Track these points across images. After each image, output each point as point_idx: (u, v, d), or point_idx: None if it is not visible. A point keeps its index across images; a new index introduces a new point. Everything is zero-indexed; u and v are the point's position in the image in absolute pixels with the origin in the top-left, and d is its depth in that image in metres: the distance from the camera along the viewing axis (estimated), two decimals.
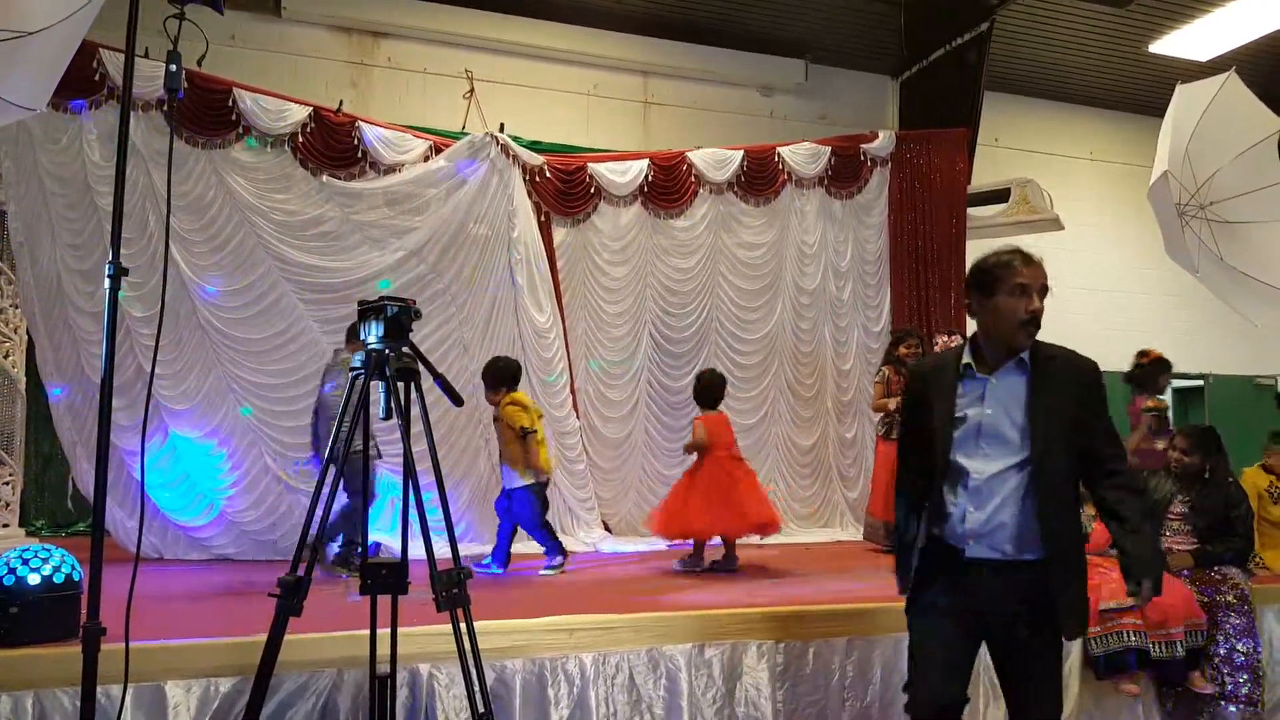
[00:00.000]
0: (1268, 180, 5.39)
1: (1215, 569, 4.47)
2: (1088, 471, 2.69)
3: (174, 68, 2.47)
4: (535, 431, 5.21)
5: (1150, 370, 5.82)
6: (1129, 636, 4.08)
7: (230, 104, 5.97)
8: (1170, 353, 10.24)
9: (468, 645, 2.49)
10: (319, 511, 2.58)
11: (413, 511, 2.60)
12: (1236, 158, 5.35)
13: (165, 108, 5.64)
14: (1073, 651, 4.19)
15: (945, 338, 6.24)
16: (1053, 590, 2.59)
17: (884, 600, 4.27)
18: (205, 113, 5.93)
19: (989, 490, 2.60)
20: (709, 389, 5.79)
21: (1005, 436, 2.62)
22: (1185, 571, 4.50)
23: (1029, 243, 9.98)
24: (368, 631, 2.79)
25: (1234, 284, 5.54)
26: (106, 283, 2.46)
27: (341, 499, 4.88)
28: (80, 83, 5.53)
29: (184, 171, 5.88)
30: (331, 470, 2.67)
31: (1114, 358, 10.02)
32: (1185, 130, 5.32)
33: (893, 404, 6.21)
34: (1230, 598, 4.33)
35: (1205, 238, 5.48)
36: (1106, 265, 10.26)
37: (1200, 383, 10.56)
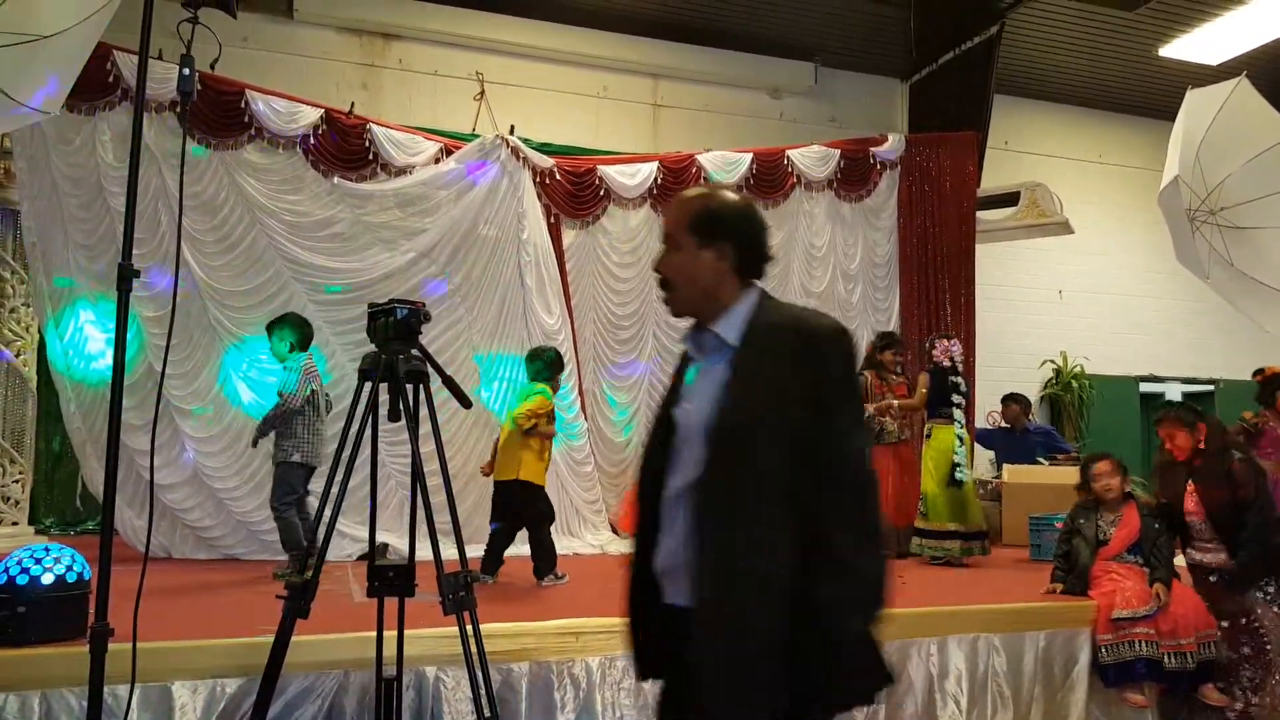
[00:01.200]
0: (1278, 186, 5.36)
1: (1245, 617, 4.19)
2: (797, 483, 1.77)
3: (187, 71, 2.48)
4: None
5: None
6: (1140, 646, 4.05)
7: (243, 106, 6.00)
8: (1180, 357, 10.31)
9: (474, 648, 2.49)
10: (328, 513, 2.59)
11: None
12: (1247, 163, 5.33)
13: (178, 110, 5.67)
14: (1079, 659, 4.18)
15: (944, 341, 6.18)
16: (690, 653, 1.78)
17: (890, 606, 4.26)
18: (218, 114, 5.97)
19: (675, 512, 1.91)
20: None
21: (696, 440, 1.88)
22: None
23: (1038, 245, 10.01)
24: (374, 633, 2.79)
25: (1244, 289, 5.52)
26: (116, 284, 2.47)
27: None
28: (94, 85, 5.57)
29: (196, 173, 5.92)
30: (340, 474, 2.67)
31: (1124, 362, 10.10)
32: (1196, 135, 5.30)
33: (871, 408, 6.22)
34: (1246, 650, 4.17)
35: (1215, 243, 5.45)
36: (1116, 269, 10.22)
37: (1210, 388, 10.50)
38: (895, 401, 6.29)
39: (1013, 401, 7.91)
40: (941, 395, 6.07)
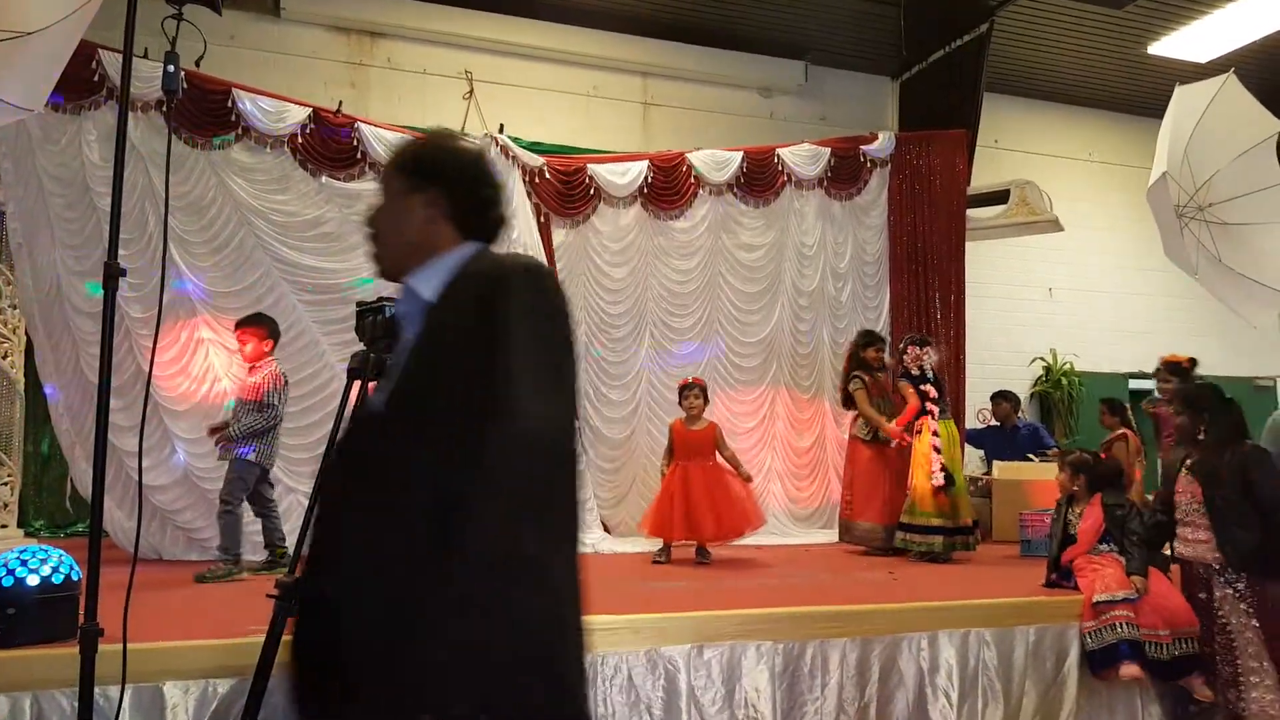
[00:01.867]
0: (1266, 182, 5.40)
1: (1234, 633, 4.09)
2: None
3: (171, 68, 2.46)
4: None
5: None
6: (1122, 628, 4.09)
7: (229, 105, 5.98)
8: (1170, 352, 10.32)
9: None
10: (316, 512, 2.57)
11: None
12: (1235, 159, 5.36)
13: (164, 108, 5.64)
14: (1070, 653, 4.20)
15: (915, 348, 6.19)
16: (344, 635, 1.55)
17: (882, 601, 4.28)
18: (204, 113, 5.95)
19: None
20: None
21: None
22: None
23: (1027, 243, 10.07)
24: None
25: (1232, 285, 5.55)
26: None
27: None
28: (80, 84, 5.54)
29: (183, 172, 5.89)
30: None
31: (1113, 360, 10.13)
32: (1184, 132, 5.33)
33: (898, 432, 6.17)
34: (1219, 643, 4.11)
35: (1204, 239, 5.49)
36: (1105, 267, 10.26)
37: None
38: (898, 429, 6.13)
39: (1002, 399, 7.95)
40: (925, 397, 6.11)
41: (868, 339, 6.65)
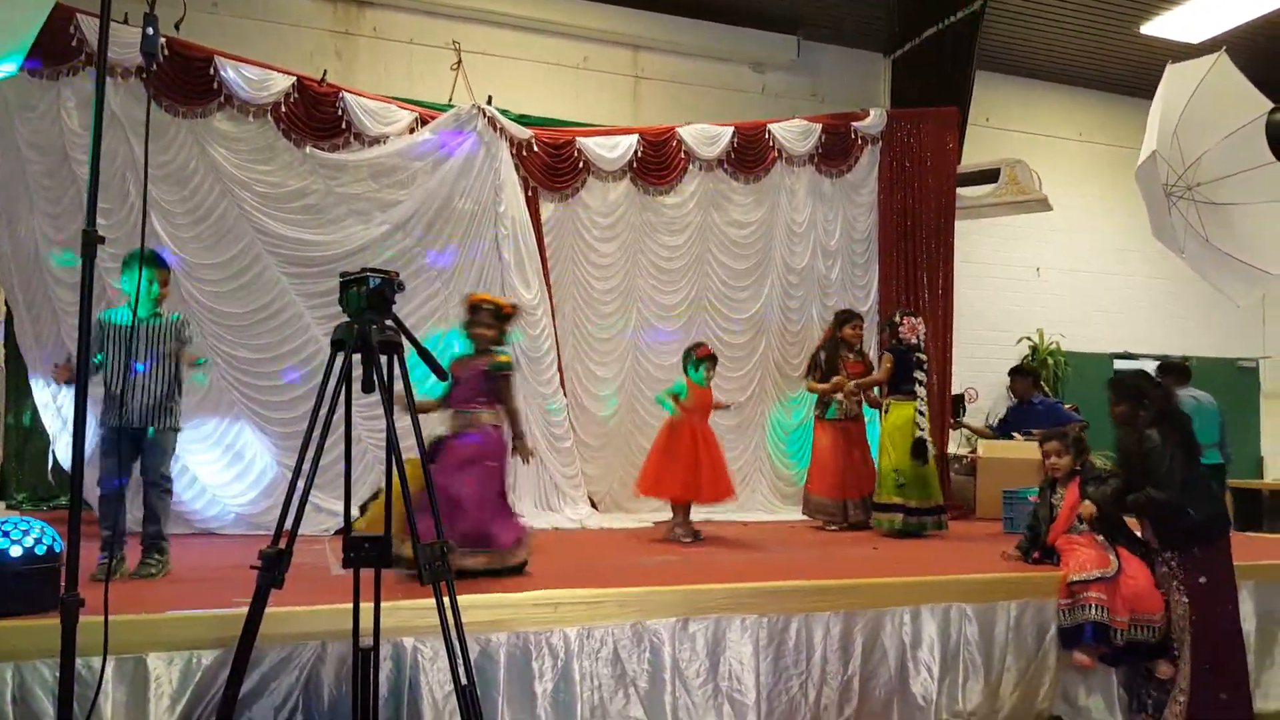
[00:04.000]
0: (1254, 162, 5.40)
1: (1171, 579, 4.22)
2: None
3: (150, 31, 2.41)
4: None
5: None
6: (1091, 610, 4.13)
7: (211, 73, 5.89)
8: (1154, 335, 10.40)
9: (451, 617, 2.48)
10: (300, 485, 2.56)
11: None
12: (1224, 139, 5.36)
13: (143, 74, 5.55)
14: (1051, 628, 4.24)
15: (910, 319, 6.25)
16: None
17: (866, 576, 4.31)
18: (186, 81, 5.86)
19: None
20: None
21: None
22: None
23: (1016, 223, 10.09)
24: (351, 605, 2.78)
25: (1219, 265, 5.57)
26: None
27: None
28: (57, 49, 5.45)
29: (164, 141, 5.80)
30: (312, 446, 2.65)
31: (1099, 340, 10.17)
32: (1174, 111, 5.32)
33: (852, 385, 6.40)
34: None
35: (1191, 219, 5.49)
36: (1093, 247, 10.28)
37: (1188, 363, 10.62)
38: (851, 383, 6.39)
39: (1019, 376, 7.99)
40: (905, 372, 6.15)
41: (845, 316, 6.77)
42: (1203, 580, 4.12)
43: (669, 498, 5.77)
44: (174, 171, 5.86)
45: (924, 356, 6.21)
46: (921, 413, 6.06)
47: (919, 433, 5.99)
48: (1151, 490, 4.20)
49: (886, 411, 6.20)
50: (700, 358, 5.92)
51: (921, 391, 6.09)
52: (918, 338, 6.18)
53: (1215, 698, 4.03)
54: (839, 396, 6.43)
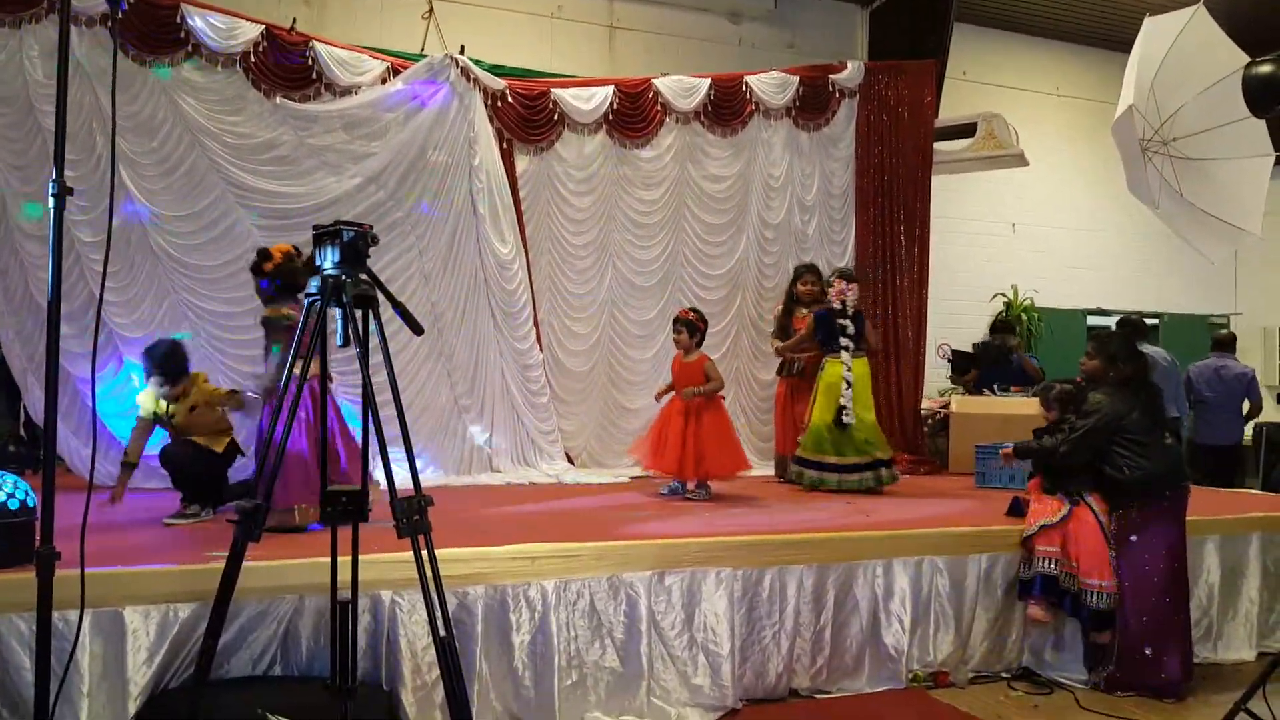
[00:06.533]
0: (1230, 117, 5.42)
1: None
2: None
3: None
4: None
5: None
6: (1043, 563, 4.22)
7: (178, 20, 5.74)
8: (1127, 291, 10.51)
9: (429, 572, 2.50)
10: (277, 437, 2.55)
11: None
12: (1201, 93, 5.36)
13: (108, 22, 5.40)
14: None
15: (841, 283, 6.17)
16: None
17: (838, 529, 4.38)
18: (152, 29, 5.71)
19: None
20: (705, 329, 5.90)
21: None
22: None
23: (993, 178, 10.09)
24: (329, 559, 2.79)
25: (1192, 220, 5.61)
26: (50, 203, 2.38)
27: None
28: None
29: (131, 92, 5.67)
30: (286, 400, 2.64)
31: (1073, 296, 10.26)
32: (1151, 64, 5.31)
33: (779, 346, 6.61)
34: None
35: (1166, 173, 5.51)
36: (1068, 203, 10.33)
37: (1155, 321, 10.77)
38: (778, 344, 6.59)
39: (1000, 332, 8.15)
40: (828, 333, 6.10)
41: (797, 272, 6.80)
42: (1134, 539, 4.21)
43: (662, 472, 5.78)
44: (142, 122, 5.73)
45: (845, 323, 6.05)
46: (848, 381, 5.99)
47: (842, 400, 5.98)
48: (1045, 439, 4.39)
49: (823, 369, 6.20)
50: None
51: (846, 356, 6.01)
52: (843, 303, 6.09)
53: (1139, 655, 4.12)
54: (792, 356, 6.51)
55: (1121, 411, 4.24)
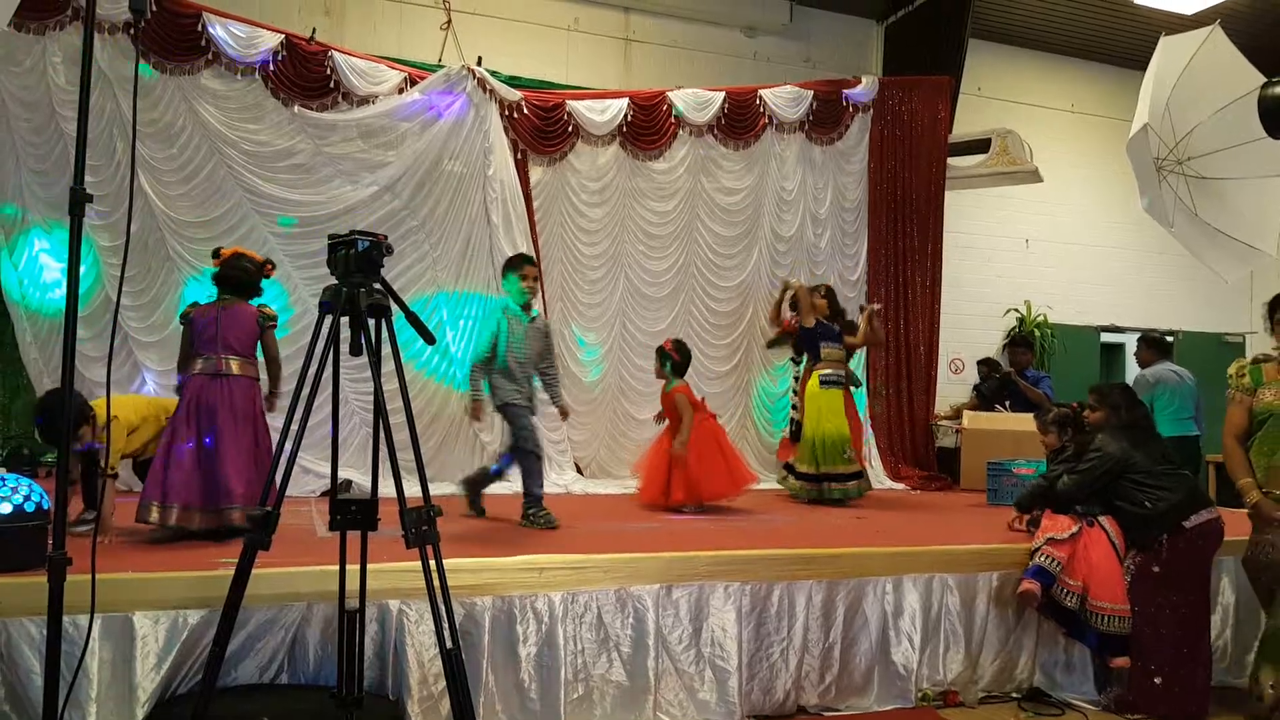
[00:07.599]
0: (1246, 137, 5.37)
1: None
2: None
3: None
4: None
5: None
6: (1040, 558, 4.18)
7: (200, 29, 5.81)
8: (1141, 308, 10.45)
9: (437, 582, 2.50)
10: (289, 447, 2.56)
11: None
12: (1216, 113, 5.33)
13: (131, 31, 5.47)
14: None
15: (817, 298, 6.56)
16: None
17: (849, 545, 4.35)
18: (174, 38, 5.78)
19: None
20: (686, 361, 5.85)
21: None
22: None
23: (1006, 194, 10.07)
24: (337, 567, 2.80)
25: (1207, 240, 5.57)
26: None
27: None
28: (44, 3, 5.36)
29: (152, 99, 5.74)
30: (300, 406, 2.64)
31: (1086, 313, 10.21)
32: (1167, 83, 5.29)
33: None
34: None
35: (1181, 192, 5.48)
36: (1082, 219, 10.28)
37: (1169, 339, 10.69)
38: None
39: (1016, 348, 8.13)
40: (811, 345, 6.32)
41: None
42: (1156, 570, 4.14)
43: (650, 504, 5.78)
44: (162, 129, 5.82)
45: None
46: (795, 391, 6.33)
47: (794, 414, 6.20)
48: (1065, 478, 4.33)
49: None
50: None
51: (797, 370, 6.36)
52: (815, 319, 6.33)
53: (1149, 683, 4.05)
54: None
55: (1127, 451, 4.24)
